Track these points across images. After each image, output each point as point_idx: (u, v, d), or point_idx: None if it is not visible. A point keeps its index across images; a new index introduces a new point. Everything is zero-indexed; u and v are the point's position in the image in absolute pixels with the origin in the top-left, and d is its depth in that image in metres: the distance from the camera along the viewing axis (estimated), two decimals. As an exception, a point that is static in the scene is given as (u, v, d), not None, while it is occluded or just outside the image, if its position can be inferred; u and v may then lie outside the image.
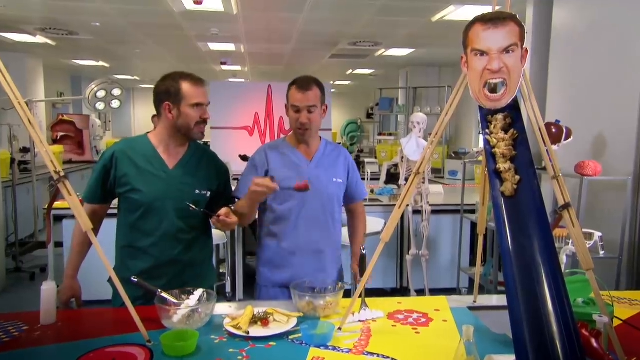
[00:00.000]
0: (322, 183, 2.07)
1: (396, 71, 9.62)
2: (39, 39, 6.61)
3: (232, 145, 5.96)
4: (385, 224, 3.64)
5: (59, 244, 4.03)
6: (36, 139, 1.37)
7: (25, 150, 6.44)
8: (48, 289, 1.63)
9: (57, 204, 3.46)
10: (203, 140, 2.03)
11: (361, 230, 2.26)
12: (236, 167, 4.25)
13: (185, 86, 1.85)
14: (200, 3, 4.32)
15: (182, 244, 1.91)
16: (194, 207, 1.84)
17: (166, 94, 1.86)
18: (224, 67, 9.82)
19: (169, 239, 1.89)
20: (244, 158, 4.46)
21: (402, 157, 4.06)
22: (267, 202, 2.07)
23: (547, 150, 1.43)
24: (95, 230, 1.91)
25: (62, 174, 1.40)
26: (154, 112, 1.96)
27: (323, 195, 2.07)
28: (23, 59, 7.65)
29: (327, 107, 2.11)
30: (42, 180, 6.30)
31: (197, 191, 1.92)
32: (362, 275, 1.68)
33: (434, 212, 4.08)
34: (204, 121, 1.90)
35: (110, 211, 1.99)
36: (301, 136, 2.06)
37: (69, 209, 1.46)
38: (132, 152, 1.89)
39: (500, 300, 1.99)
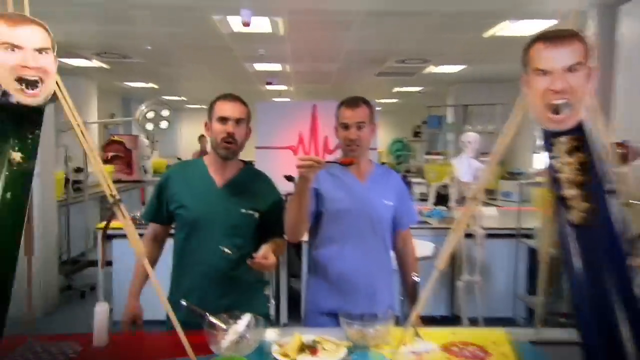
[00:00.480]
0: (373, 205, 2.01)
1: (445, 88, 9.37)
2: (95, 63, 6.92)
3: (277, 165, 5.98)
4: (435, 247, 3.52)
5: (108, 263, 4.12)
6: (95, 163, 1.40)
7: (78, 170, 6.63)
8: (101, 310, 1.64)
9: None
10: (249, 159, 2.05)
11: (411, 256, 2.18)
12: (282, 186, 4.23)
13: (217, 102, 1.93)
14: (248, 25, 4.40)
15: (228, 263, 1.89)
16: (228, 251, 1.87)
17: (207, 113, 1.96)
18: (269, 87, 9.96)
19: (214, 257, 1.88)
20: (289, 178, 4.42)
21: (452, 178, 3.94)
22: (318, 223, 2.03)
23: (617, 174, 1.33)
24: (157, 256, 2.02)
25: (117, 197, 1.42)
26: (200, 133, 2.02)
27: (373, 217, 2.01)
28: (79, 82, 7.99)
29: (375, 126, 2.07)
30: (94, 199, 6.49)
31: (243, 210, 1.92)
32: (413, 303, 1.61)
33: (487, 235, 3.90)
34: (229, 136, 1.87)
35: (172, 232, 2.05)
36: (351, 153, 2.02)
37: (121, 229, 1.47)
38: (184, 172, 2.01)
39: (566, 334, 1.84)
